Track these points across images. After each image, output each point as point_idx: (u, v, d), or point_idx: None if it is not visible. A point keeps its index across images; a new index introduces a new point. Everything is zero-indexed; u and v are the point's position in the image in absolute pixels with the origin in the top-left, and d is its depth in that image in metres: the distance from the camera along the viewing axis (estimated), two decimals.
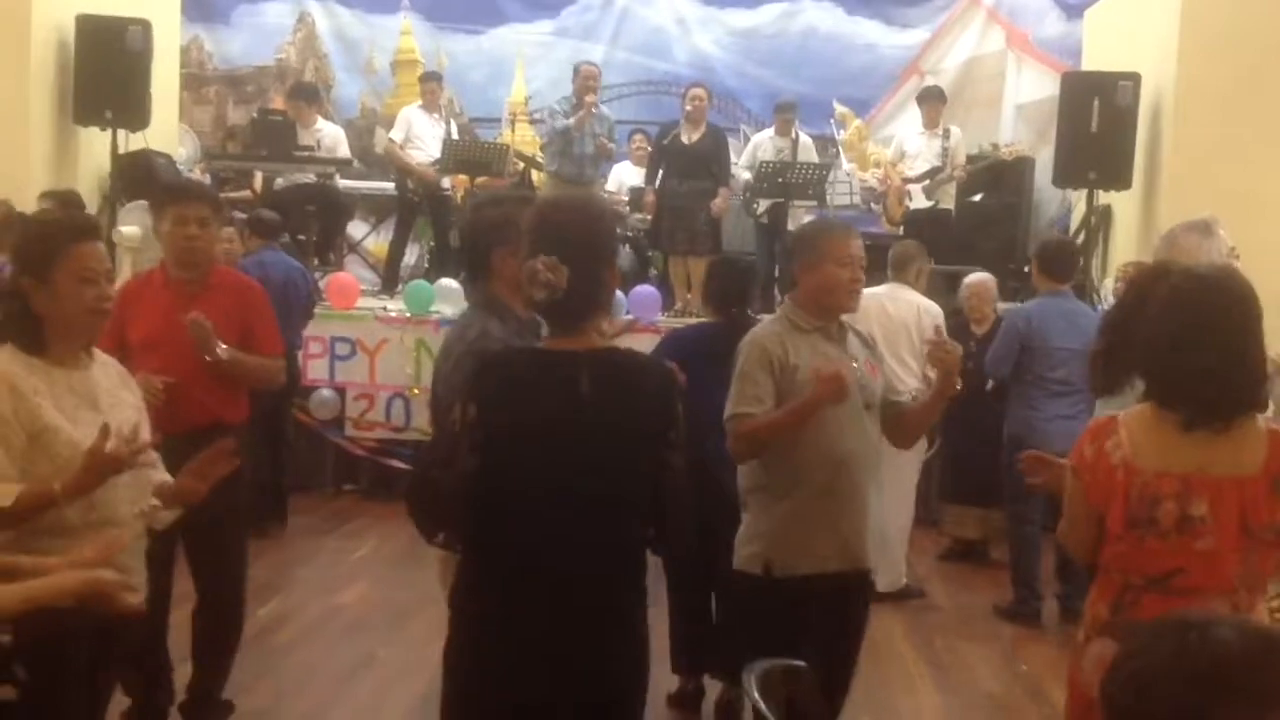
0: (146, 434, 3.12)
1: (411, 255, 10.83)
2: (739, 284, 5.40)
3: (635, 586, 2.85)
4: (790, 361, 3.76)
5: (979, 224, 10.66)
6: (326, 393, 8.58)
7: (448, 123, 10.80)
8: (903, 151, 10.53)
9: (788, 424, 3.72)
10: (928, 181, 10.22)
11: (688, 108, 9.89)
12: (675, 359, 5.46)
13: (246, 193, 10.37)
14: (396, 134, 10.57)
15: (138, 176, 9.68)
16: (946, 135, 10.25)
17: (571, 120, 9.88)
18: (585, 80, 10.04)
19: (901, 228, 10.21)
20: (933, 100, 10.49)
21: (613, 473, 2.74)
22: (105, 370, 3.19)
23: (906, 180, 10.36)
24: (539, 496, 2.71)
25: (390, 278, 10.45)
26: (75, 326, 3.04)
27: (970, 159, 10.59)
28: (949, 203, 10.36)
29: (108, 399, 3.10)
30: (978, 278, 7.69)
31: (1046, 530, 6.64)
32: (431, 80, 10.96)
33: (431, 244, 10.84)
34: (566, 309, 2.76)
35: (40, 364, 2.99)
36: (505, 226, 3.46)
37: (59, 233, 3.08)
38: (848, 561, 3.83)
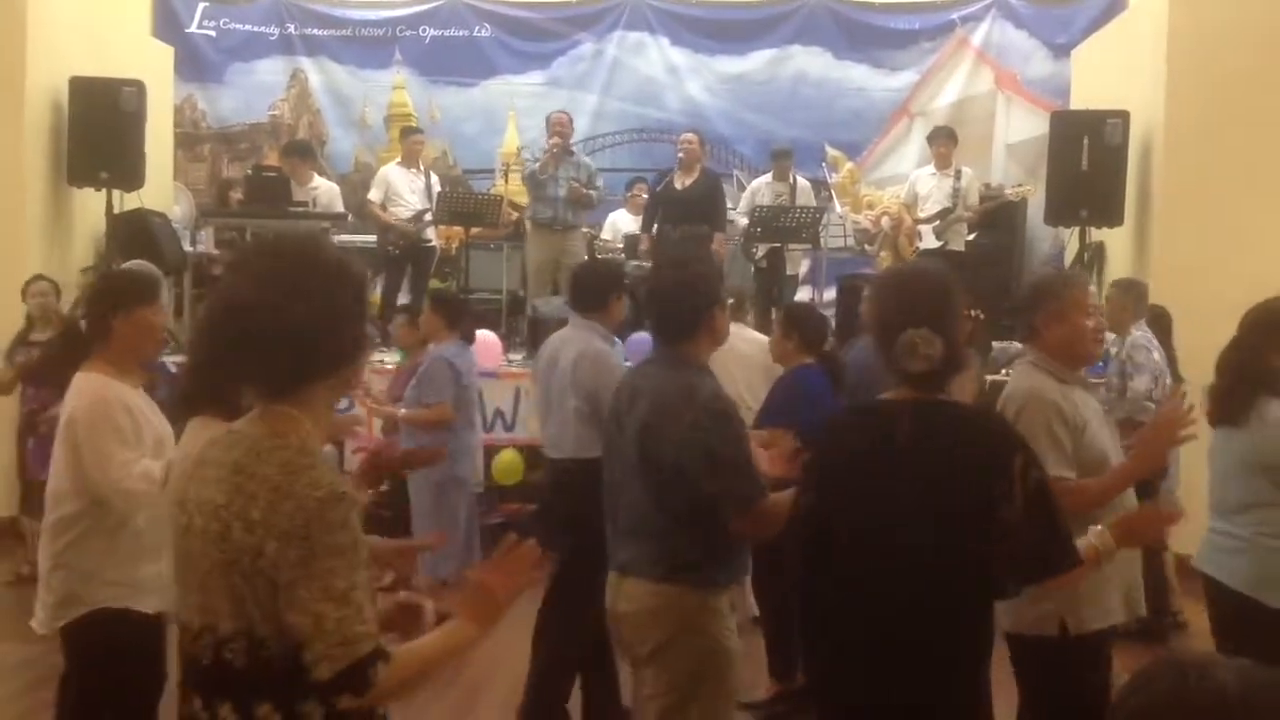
0: None
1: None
2: (825, 326, 6.19)
3: (957, 637, 2.76)
4: (1081, 417, 3.60)
5: (975, 264, 10.68)
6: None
7: (427, 175, 10.84)
8: (915, 194, 10.48)
9: (1117, 492, 3.59)
10: (938, 222, 10.22)
11: (680, 154, 9.99)
12: (817, 402, 5.49)
13: None
14: (375, 194, 10.63)
15: (133, 237, 9.71)
16: (958, 176, 10.25)
17: (536, 165, 10.04)
18: (553, 127, 10.26)
19: None
20: (943, 140, 10.43)
21: (933, 521, 2.72)
22: None
23: (918, 221, 10.37)
24: (856, 536, 2.80)
25: (385, 331, 10.44)
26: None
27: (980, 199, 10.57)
28: (959, 243, 10.30)
29: None
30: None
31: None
32: (412, 135, 11.03)
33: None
34: (937, 375, 2.80)
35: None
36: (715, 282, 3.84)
37: None
38: (1131, 612, 3.73)
